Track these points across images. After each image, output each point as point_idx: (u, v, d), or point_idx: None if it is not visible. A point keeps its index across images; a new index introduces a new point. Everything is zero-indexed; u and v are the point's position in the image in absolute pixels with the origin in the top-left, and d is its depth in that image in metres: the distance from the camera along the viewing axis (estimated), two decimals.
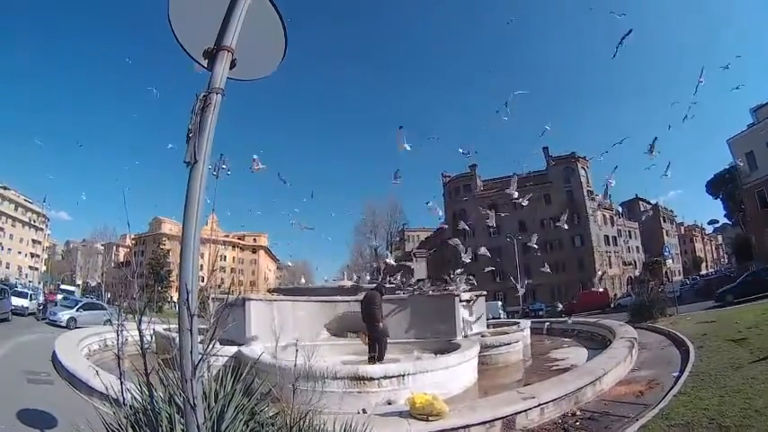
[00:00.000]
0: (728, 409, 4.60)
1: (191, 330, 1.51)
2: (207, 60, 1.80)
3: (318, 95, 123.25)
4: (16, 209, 75.54)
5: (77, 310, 21.10)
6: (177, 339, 1.60)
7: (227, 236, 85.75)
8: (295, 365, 2.30)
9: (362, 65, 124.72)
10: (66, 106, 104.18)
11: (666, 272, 30.35)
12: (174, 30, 1.81)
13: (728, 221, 55.30)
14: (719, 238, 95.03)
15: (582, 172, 59.86)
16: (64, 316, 19.80)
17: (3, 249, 72.57)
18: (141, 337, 2.13)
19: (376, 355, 8.07)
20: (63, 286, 51.48)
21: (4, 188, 72.71)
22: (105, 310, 22.67)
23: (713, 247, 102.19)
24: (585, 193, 59.65)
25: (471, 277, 15.79)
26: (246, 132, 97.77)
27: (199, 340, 1.66)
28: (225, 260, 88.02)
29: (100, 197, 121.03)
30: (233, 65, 1.81)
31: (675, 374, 6.63)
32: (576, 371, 7.09)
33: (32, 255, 78.29)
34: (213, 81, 1.72)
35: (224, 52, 1.77)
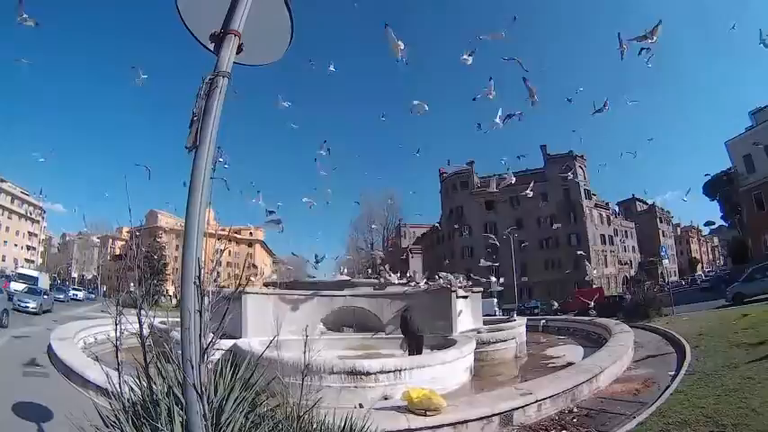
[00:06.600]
0: (725, 408, 4.63)
1: (200, 312, 1.43)
2: (213, 44, 1.78)
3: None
4: (12, 201, 74.97)
5: None
6: (172, 333, 1.53)
7: (224, 230, 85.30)
8: (305, 357, 2.27)
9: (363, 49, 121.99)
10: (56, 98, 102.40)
11: (662, 272, 30.37)
12: (181, 14, 1.79)
13: (725, 223, 55.54)
14: (715, 239, 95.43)
15: (579, 171, 59.94)
16: None
17: None
18: (141, 327, 2.09)
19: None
20: (21, 270, 39.46)
21: (0, 180, 72.12)
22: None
23: (709, 249, 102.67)
24: (582, 192, 59.81)
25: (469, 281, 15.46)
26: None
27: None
28: (221, 254, 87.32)
29: (95, 191, 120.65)
30: (240, 49, 1.79)
31: (672, 373, 6.68)
32: (572, 368, 7.14)
33: (29, 247, 77.83)
34: (220, 64, 1.70)
35: (231, 36, 1.75)
